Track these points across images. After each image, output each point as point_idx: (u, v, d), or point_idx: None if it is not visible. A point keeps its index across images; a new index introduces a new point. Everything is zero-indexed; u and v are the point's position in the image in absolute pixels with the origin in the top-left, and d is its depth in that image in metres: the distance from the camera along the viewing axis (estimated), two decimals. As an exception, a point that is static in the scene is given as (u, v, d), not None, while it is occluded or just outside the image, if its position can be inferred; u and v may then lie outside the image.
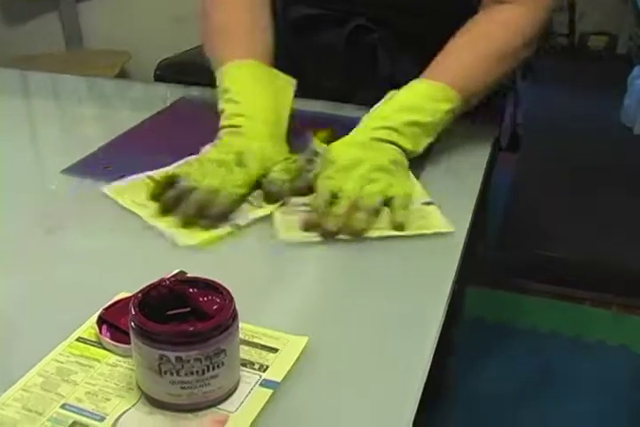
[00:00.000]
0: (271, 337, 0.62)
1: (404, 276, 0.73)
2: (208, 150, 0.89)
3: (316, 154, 0.86)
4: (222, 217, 0.79)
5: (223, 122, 0.92)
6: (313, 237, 0.78)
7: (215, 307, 0.54)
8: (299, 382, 0.58)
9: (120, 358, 0.59)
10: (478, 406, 1.66)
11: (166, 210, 0.80)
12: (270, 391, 0.56)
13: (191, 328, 0.51)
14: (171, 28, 2.63)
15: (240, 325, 0.56)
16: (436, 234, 0.79)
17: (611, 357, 1.82)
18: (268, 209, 0.83)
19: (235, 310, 0.54)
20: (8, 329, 0.64)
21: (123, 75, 2.58)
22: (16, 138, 1.06)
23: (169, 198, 0.81)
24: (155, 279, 0.57)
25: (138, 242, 0.79)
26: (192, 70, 2.05)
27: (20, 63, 2.33)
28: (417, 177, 0.90)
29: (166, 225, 0.79)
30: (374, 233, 0.78)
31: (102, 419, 0.53)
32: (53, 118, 1.18)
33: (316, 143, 0.88)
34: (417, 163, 0.92)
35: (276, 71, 1.00)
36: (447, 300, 0.68)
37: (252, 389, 0.56)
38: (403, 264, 0.75)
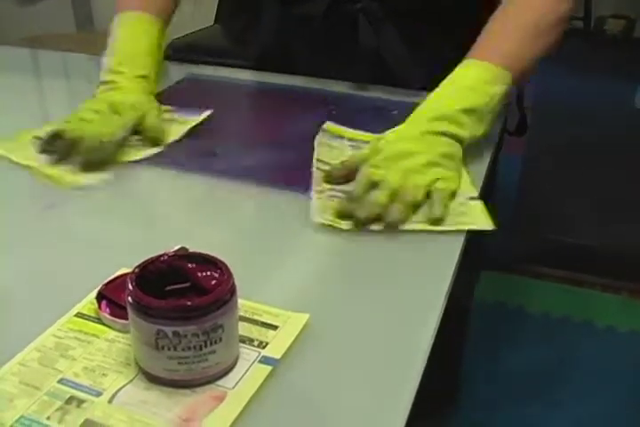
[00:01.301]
0: (271, 314, 0.61)
1: (408, 255, 0.72)
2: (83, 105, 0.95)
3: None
4: (103, 159, 0.87)
5: (102, 77, 0.99)
6: (345, 224, 0.75)
7: (213, 282, 0.53)
8: (298, 360, 0.57)
9: (119, 334, 0.59)
10: (489, 391, 1.66)
11: (60, 159, 0.87)
12: (269, 368, 0.56)
13: (188, 303, 0.51)
14: (181, 9, 2.61)
15: (240, 301, 0.55)
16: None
17: (621, 342, 1.81)
18: (154, 150, 0.92)
19: (233, 285, 0.53)
20: (7, 304, 0.64)
21: (133, 56, 2.57)
22: (25, 116, 1.06)
23: (61, 149, 0.87)
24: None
25: (140, 218, 0.78)
26: (203, 50, 2.03)
27: (29, 43, 2.32)
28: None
29: (55, 172, 0.86)
30: (408, 226, 0.75)
31: (99, 394, 0.53)
32: (63, 97, 1.18)
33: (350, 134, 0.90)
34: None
35: (161, 27, 1.06)
36: (452, 278, 0.67)
37: (250, 365, 0.56)
38: (407, 243, 0.74)
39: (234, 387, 0.54)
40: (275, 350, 0.57)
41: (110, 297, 0.61)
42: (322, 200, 0.79)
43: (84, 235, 0.75)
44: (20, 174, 0.87)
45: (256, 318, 0.60)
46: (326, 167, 0.85)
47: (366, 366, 0.58)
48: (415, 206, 0.77)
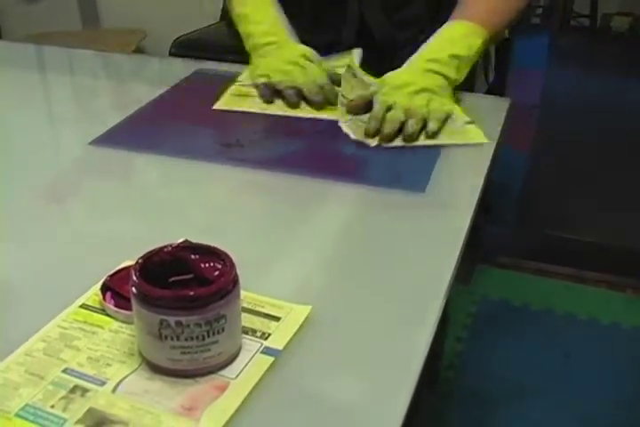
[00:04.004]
0: (274, 306, 0.61)
1: (410, 245, 0.73)
2: (263, 63, 1.07)
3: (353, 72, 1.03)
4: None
5: (258, 39, 1.09)
6: (372, 141, 0.93)
7: (216, 273, 0.54)
8: (300, 351, 0.58)
9: (122, 325, 0.59)
10: (492, 389, 1.66)
11: (292, 106, 1.03)
12: (271, 359, 0.56)
13: (191, 293, 0.51)
14: (186, 7, 2.62)
15: (243, 293, 0.56)
16: (445, 200, 0.82)
17: (625, 339, 1.81)
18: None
19: (236, 275, 0.53)
20: (13, 295, 0.65)
21: (138, 53, 2.58)
22: (31, 111, 1.07)
23: (291, 96, 1.03)
24: (159, 247, 0.57)
25: (144, 212, 0.79)
26: (207, 48, 2.04)
27: (35, 41, 2.33)
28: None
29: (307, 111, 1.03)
30: (420, 141, 0.93)
31: (103, 384, 0.54)
32: (68, 92, 1.18)
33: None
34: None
35: None
36: (454, 271, 0.67)
37: (253, 356, 0.56)
38: (410, 233, 0.75)
39: (236, 377, 0.54)
40: (277, 341, 0.58)
41: (114, 289, 0.62)
42: (349, 125, 0.97)
43: (89, 227, 0.75)
44: (25, 167, 0.88)
45: (259, 309, 0.61)
46: (346, 101, 1.01)
47: (368, 356, 0.58)
48: (423, 121, 0.94)
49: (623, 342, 1.80)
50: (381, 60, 1.16)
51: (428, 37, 1.04)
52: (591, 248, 2.07)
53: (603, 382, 1.67)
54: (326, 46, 1.16)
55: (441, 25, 1.05)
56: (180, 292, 0.52)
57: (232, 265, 0.54)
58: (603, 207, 2.19)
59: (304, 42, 1.15)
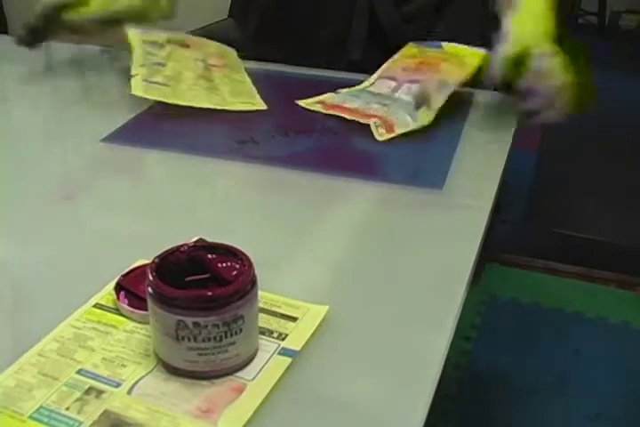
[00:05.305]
0: (291, 306, 0.60)
1: (428, 244, 0.72)
2: None
3: None
4: None
5: None
6: None
7: (234, 273, 0.53)
8: (318, 351, 0.57)
9: (137, 325, 0.58)
10: (501, 388, 1.65)
11: None
12: (289, 360, 0.55)
13: (209, 293, 0.50)
14: (194, 3, 2.61)
15: (260, 293, 0.54)
16: (462, 198, 0.81)
17: (635, 338, 1.80)
18: None
19: (254, 275, 0.52)
20: (25, 295, 0.64)
21: (146, 50, 2.57)
22: (39, 108, 1.06)
23: None
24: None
25: (157, 210, 0.78)
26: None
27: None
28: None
29: None
30: None
31: (118, 385, 0.53)
32: (77, 89, 1.17)
33: None
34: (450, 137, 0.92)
35: None
36: (472, 270, 0.67)
37: (270, 357, 0.55)
38: (427, 232, 0.74)
39: (253, 379, 0.53)
40: (294, 342, 0.57)
41: (128, 288, 0.61)
42: None
43: (101, 225, 0.74)
44: (36, 165, 0.87)
45: (275, 309, 0.60)
46: None
47: (386, 358, 0.57)
48: None
49: (633, 341, 1.79)
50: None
51: (436, 37, 1.02)
52: (601, 247, 2.06)
53: (612, 380, 1.66)
54: (334, 42, 1.15)
55: (445, 23, 1.03)
56: (198, 292, 0.51)
57: (250, 265, 0.53)
58: (612, 206, 2.18)
59: (307, 39, 1.13)
